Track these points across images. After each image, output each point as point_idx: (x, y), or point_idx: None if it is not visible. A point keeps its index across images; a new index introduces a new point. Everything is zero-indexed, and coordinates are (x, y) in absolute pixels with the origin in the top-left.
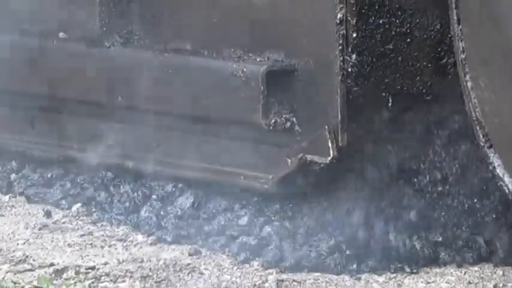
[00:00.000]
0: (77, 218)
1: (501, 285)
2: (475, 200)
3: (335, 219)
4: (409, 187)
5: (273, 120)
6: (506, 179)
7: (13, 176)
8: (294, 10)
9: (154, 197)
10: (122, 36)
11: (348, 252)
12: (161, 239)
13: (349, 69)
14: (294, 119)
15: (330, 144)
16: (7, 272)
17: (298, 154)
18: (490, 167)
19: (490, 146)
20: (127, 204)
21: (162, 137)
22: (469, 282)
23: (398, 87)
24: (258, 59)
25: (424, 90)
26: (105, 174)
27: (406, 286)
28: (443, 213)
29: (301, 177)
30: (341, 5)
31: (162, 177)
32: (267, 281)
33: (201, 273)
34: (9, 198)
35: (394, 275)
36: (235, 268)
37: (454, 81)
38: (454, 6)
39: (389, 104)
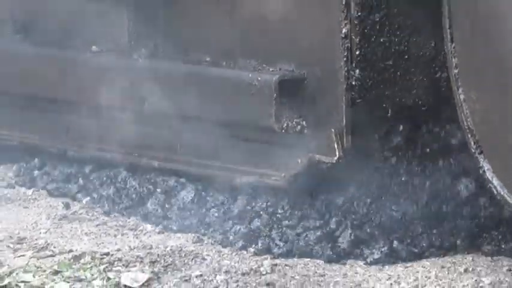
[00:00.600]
0: (93, 209)
1: (471, 268)
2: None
3: (328, 211)
4: (396, 185)
5: (285, 124)
6: (495, 181)
7: (36, 172)
8: (303, 25)
9: (188, 189)
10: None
11: (336, 241)
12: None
13: (353, 83)
14: (304, 122)
15: (336, 146)
16: (30, 258)
17: (308, 154)
18: (480, 171)
19: (481, 152)
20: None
21: (186, 140)
22: (442, 267)
23: (397, 98)
24: (271, 69)
25: (419, 102)
26: (118, 171)
27: (386, 270)
28: (420, 208)
29: (310, 174)
30: (345, 21)
31: (190, 174)
32: (262, 265)
33: (204, 259)
34: (33, 192)
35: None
36: (233, 254)
37: (448, 94)
38: (447, 26)
39: (389, 113)
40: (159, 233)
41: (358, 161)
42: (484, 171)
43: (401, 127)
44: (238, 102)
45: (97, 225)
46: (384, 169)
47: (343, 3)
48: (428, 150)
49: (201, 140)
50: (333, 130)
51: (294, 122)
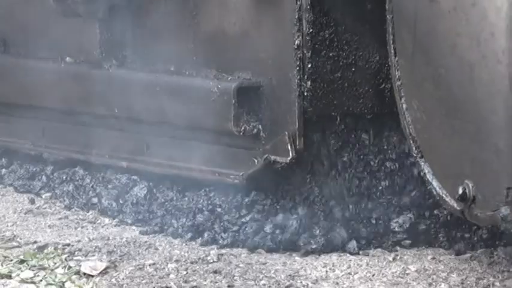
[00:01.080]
0: (55, 204)
1: (398, 257)
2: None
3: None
4: (339, 183)
5: (243, 128)
6: (434, 183)
7: (3, 170)
8: (259, 37)
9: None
10: (117, 59)
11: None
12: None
13: (305, 93)
14: (260, 126)
15: (289, 147)
16: None
17: (264, 155)
18: (422, 173)
19: (422, 157)
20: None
21: (154, 141)
22: (373, 256)
23: (345, 107)
24: (229, 78)
25: (365, 110)
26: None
27: (322, 258)
28: (357, 204)
29: (265, 174)
30: (298, 33)
31: (154, 174)
32: (209, 255)
33: (156, 249)
34: (0, 188)
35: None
36: (183, 245)
37: (391, 103)
38: (391, 41)
39: (337, 121)
40: (115, 225)
41: (307, 161)
42: (424, 173)
43: (348, 132)
44: (200, 108)
45: (59, 219)
46: (330, 169)
47: (296, 17)
48: (371, 152)
49: (166, 142)
50: (286, 133)
51: (251, 126)
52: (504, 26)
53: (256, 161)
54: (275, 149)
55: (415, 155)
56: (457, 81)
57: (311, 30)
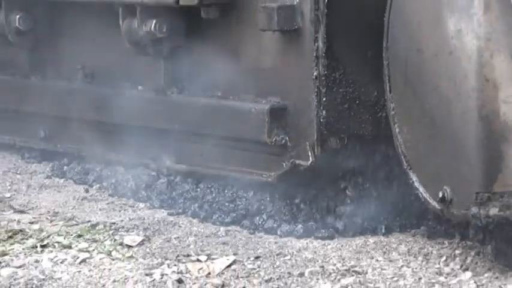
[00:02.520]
0: (104, 192)
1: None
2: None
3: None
4: (341, 183)
5: (274, 139)
6: (420, 188)
7: (65, 167)
8: (286, 68)
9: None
10: (178, 87)
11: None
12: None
13: (321, 120)
14: (287, 138)
15: (309, 153)
16: (62, 226)
17: (290, 159)
18: (410, 181)
19: (410, 169)
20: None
21: (206, 150)
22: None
23: (351, 130)
24: (263, 101)
25: (366, 133)
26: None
27: (300, 241)
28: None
29: (291, 174)
30: (316, 67)
31: (208, 176)
32: (219, 230)
33: (180, 226)
34: (63, 181)
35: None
36: (200, 223)
37: (387, 128)
38: (387, 80)
39: (345, 141)
40: (148, 208)
41: (324, 165)
42: (413, 181)
43: (353, 148)
44: (241, 123)
45: (107, 204)
46: (337, 171)
47: (314, 55)
48: (370, 163)
49: (220, 151)
50: (307, 143)
51: (280, 137)
52: (474, 69)
53: (284, 164)
54: (299, 154)
55: (405, 167)
56: (438, 112)
57: (325, 72)
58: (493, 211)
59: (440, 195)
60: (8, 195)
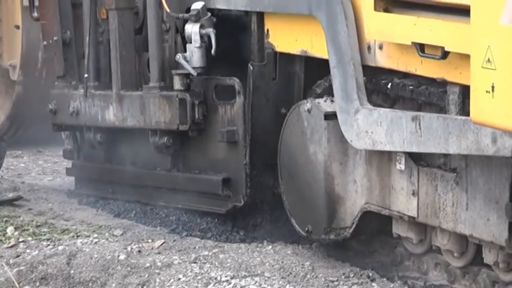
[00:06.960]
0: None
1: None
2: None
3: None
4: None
5: (224, 193)
6: (297, 226)
7: None
8: (228, 160)
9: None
10: None
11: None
12: None
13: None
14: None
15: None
16: (85, 226)
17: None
18: (292, 222)
19: (289, 210)
20: None
21: None
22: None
23: None
24: (219, 174)
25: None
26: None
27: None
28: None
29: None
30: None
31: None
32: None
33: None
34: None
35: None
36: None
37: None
38: (279, 172)
39: None
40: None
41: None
42: (292, 222)
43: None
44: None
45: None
46: None
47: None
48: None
49: None
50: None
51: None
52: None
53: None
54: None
55: (289, 215)
56: (304, 186)
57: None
58: (332, 236)
59: (306, 229)
60: (61, 212)
